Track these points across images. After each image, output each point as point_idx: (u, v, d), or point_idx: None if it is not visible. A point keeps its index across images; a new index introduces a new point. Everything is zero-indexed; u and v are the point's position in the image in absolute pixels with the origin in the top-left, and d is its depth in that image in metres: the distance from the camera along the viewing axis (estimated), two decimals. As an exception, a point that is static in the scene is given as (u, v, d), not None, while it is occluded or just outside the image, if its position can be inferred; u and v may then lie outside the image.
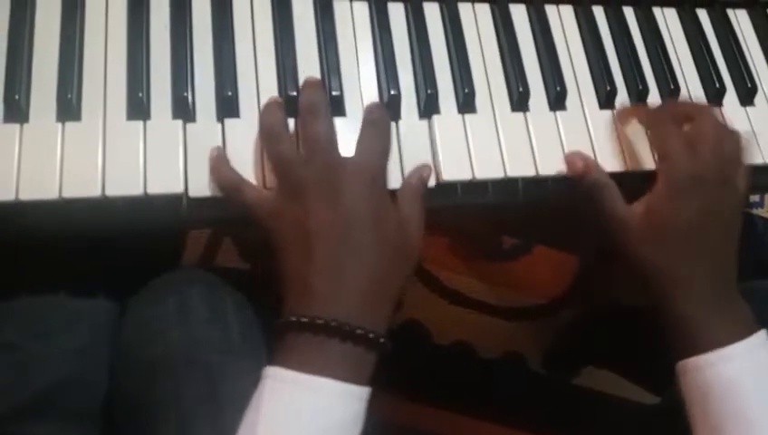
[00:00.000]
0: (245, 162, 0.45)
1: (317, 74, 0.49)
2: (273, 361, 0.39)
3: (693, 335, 0.45)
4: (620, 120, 0.52)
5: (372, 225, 0.41)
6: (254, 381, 0.47)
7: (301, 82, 0.47)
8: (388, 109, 0.49)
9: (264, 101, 0.47)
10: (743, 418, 0.43)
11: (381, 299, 0.42)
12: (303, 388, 0.38)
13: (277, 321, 0.40)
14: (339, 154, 0.43)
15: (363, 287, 0.40)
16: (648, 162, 0.51)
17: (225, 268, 0.86)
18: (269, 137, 0.44)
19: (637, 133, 0.52)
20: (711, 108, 0.52)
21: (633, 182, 0.50)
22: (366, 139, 0.44)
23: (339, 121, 0.48)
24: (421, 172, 0.47)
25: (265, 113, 0.45)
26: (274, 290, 0.42)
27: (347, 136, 0.48)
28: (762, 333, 0.46)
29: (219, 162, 0.44)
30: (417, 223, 0.45)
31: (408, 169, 0.47)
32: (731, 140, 0.49)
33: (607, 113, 0.53)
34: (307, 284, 0.40)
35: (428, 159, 0.48)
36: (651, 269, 0.47)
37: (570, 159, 0.50)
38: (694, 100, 0.55)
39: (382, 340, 0.40)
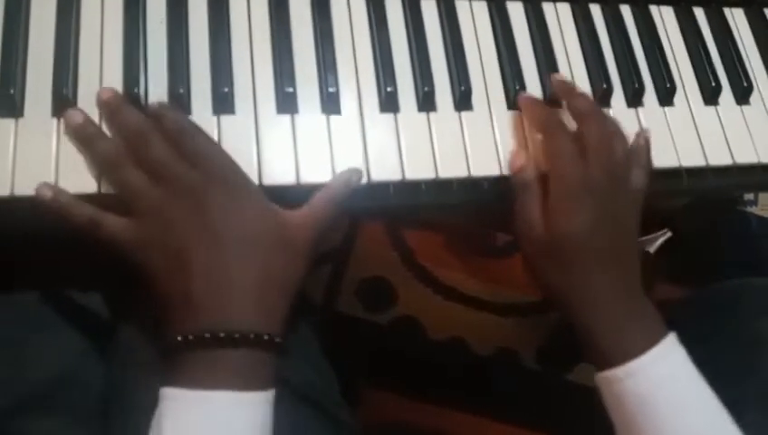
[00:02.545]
0: (241, 159, 0.45)
1: (313, 71, 0.49)
2: (166, 381, 0.38)
3: (600, 349, 0.45)
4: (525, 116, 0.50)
5: (240, 226, 0.41)
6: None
7: (298, 78, 0.47)
8: (385, 105, 0.49)
9: (260, 97, 0.47)
10: (652, 429, 0.43)
11: (271, 298, 0.41)
12: (200, 404, 0.37)
13: (164, 342, 0.39)
14: (186, 168, 0.41)
15: (248, 290, 0.40)
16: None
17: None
18: (109, 166, 0.42)
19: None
20: (597, 109, 0.49)
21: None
22: (199, 146, 0.42)
23: (334, 120, 0.48)
24: (350, 176, 0.45)
25: (107, 147, 0.43)
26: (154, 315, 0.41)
27: (345, 134, 0.48)
28: (670, 339, 0.45)
29: (67, 200, 0.41)
30: (324, 221, 0.44)
31: (409, 162, 0.47)
32: (618, 142, 0.47)
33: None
34: (188, 299, 0.39)
35: (427, 156, 0.48)
36: (552, 283, 0.46)
37: (513, 154, 0.49)
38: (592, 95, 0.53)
39: (278, 339, 0.39)
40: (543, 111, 0.50)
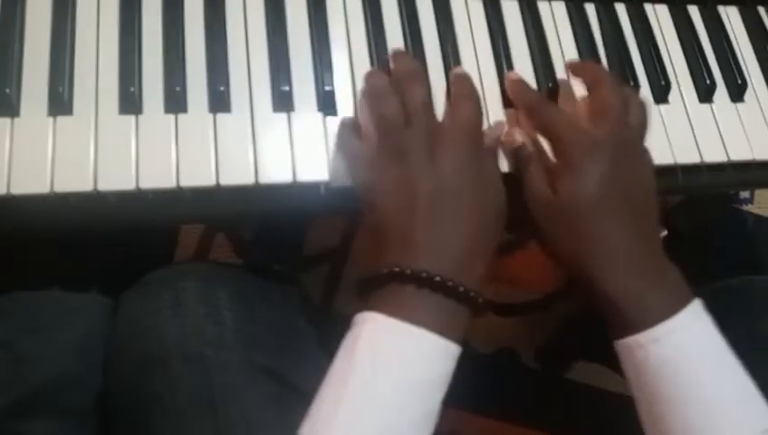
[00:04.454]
0: (237, 157, 0.45)
1: (309, 70, 0.49)
2: (368, 307, 0.40)
3: (622, 314, 0.43)
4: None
5: (473, 186, 0.43)
6: (247, 374, 0.47)
7: (294, 76, 0.48)
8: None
9: (256, 96, 0.47)
10: (674, 398, 0.42)
11: (479, 258, 0.42)
12: (403, 335, 0.38)
13: (378, 270, 0.41)
14: (437, 120, 0.45)
15: (465, 246, 0.41)
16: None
17: (218, 264, 0.86)
18: (374, 96, 0.46)
19: None
20: (611, 75, 0.49)
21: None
22: (460, 103, 0.46)
23: (330, 118, 0.48)
24: (498, 131, 0.48)
25: (371, 76, 0.47)
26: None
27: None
28: (695, 304, 0.43)
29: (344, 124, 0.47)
30: (498, 179, 0.46)
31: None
32: (636, 107, 0.47)
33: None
34: (411, 238, 0.41)
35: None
36: (569, 250, 0.45)
37: (509, 132, 0.49)
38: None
39: (480, 299, 0.41)
40: (530, 90, 0.51)
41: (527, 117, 0.49)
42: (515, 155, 0.48)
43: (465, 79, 0.48)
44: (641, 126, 0.48)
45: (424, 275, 0.39)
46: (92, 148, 0.43)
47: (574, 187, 0.44)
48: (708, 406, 0.41)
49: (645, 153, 0.48)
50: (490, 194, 0.44)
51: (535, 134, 0.48)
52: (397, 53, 0.49)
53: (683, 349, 0.42)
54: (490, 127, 0.49)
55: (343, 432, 0.37)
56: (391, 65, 0.49)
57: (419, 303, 0.39)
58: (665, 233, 0.76)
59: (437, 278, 0.39)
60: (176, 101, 0.46)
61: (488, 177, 0.45)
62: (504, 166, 0.48)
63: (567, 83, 0.52)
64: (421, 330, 0.38)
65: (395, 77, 0.47)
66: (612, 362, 0.89)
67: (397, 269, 0.40)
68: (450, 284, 0.39)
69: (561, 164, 0.46)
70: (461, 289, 0.40)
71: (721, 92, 0.56)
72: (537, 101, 0.49)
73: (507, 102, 0.52)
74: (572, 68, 0.52)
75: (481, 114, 0.46)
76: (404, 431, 0.38)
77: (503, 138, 0.49)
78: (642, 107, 0.48)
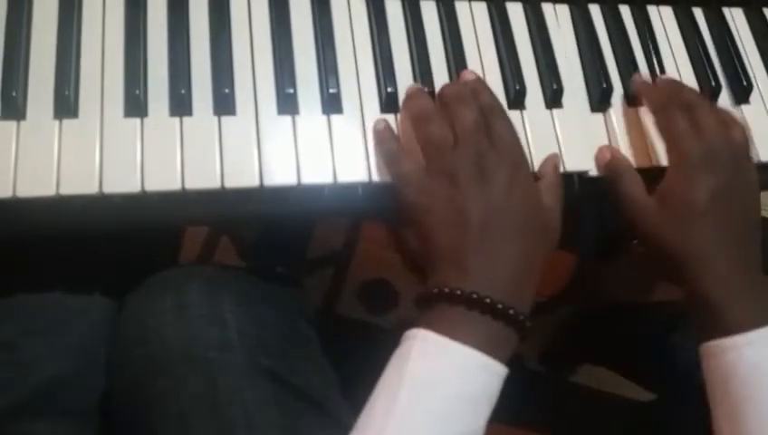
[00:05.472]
0: (242, 160, 0.45)
1: (314, 73, 0.49)
2: (419, 324, 0.40)
3: (717, 317, 0.45)
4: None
5: (521, 209, 0.44)
6: (251, 376, 0.47)
7: (298, 79, 0.48)
8: (386, 106, 0.49)
9: (260, 98, 0.47)
10: (763, 402, 0.43)
11: (527, 281, 0.43)
12: (452, 352, 0.39)
13: (429, 289, 0.42)
14: (486, 141, 0.45)
15: (513, 268, 0.42)
16: (645, 161, 0.52)
17: (222, 266, 0.86)
18: (420, 118, 0.46)
19: (632, 131, 0.53)
20: (707, 100, 0.52)
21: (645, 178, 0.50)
22: (500, 128, 0.46)
23: (335, 119, 0.48)
24: (554, 161, 0.49)
25: (414, 96, 0.48)
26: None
27: (346, 135, 0.48)
28: None
29: (386, 133, 0.47)
30: (558, 209, 0.47)
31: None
32: (737, 128, 0.49)
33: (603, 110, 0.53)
34: (461, 259, 0.41)
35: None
36: (673, 251, 0.47)
37: (599, 153, 0.51)
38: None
39: (528, 323, 0.41)
40: (660, 92, 0.52)
41: (654, 115, 0.51)
42: (609, 168, 0.50)
43: (490, 93, 0.48)
44: (747, 143, 0.50)
45: (474, 296, 0.40)
46: (98, 150, 0.44)
47: (687, 192, 0.47)
48: None
49: (752, 168, 0.49)
50: (539, 215, 0.45)
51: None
52: (455, 82, 0.50)
53: None
54: (547, 157, 0.50)
55: None
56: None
57: (468, 323, 0.40)
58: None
59: (487, 300, 0.40)
60: (181, 104, 0.46)
61: (536, 196, 0.46)
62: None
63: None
64: (469, 349, 0.39)
65: (443, 100, 0.47)
66: (614, 364, 0.89)
67: (447, 290, 0.40)
68: (500, 306, 0.40)
69: (676, 168, 0.48)
70: (510, 312, 0.40)
71: (726, 94, 0.56)
72: (666, 103, 0.50)
73: (512, 105, 0.52)
74: (676, 96, 0.52)
75: (514, 128, 0.47)
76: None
77: (596, 156, 0.51)
78: (743, 127, 0.50)
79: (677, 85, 0.53)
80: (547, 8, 0.56)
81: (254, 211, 0.47)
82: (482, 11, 0.54)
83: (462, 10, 0.54)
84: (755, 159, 0.54)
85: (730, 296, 0.45)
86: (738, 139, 0.49)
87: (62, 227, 0.44)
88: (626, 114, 0.53)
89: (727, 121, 0.50)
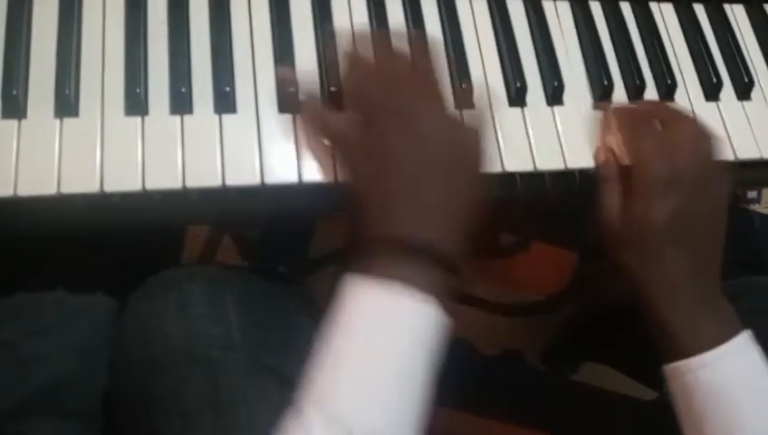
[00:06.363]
0: (243, 158, 0.45)
1: (315, 70, 0.49)
2: (353, 272, 0.40)
3: (674, 339, 0.45)
4: (602, 122, 0.52)
5: (443, 148, 0.43)
6: (254, 375, 0.47)
7: (299, 76, 0.48)
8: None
9: (261, 97, 0.47)
10: (722, 420, 0.43)
11: (455, 221, 0.43)
12: (385, 295, 0.39)
13: (356, 240, 0.42)
14: (409, 84, 0.44)
15: (439, 208, 0.42)
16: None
17: (224, 265, 0.86)
18: (349, 66, 0.46)
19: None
20: (686, 113, 0.51)
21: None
22: (424, 67, 0.45)
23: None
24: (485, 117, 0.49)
25: (349, 51, 0.47)
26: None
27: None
28: (744, 335, 0.45)
29: (310, 92, 0.47)
30: (481, 143, 0.46)
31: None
32: (709, 143, 0.48)
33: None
34: (386, 205, 0.42)
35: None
36: (631, 273, 0.47)
37: (596, 151, 0.50)
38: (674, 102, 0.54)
39: (458, 262, 0.41)
40: (626, 111, 0.51)
41: (621, 132, 0.50)
42: (599, 169, 0.49)
43: (425, 36, 0.48)
44: (717, 154, 0.49)
45: (401, 238, 0.40)
46: (99, 149, 0.44)
47: (648, 213, 0.46)
48: (752, 432, 0.43)
49: (721, 189, 0.48)
50: (459, 156, 0.44)
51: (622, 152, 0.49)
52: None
53: (730, 375, 0.44)
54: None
55: (351, 389, 0.37)
56: None
57: (399, 265, 0.40)
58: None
59: (414, 241, 0.40)
60: (181, 103, 0.46)
61: (457, 140, 0.45)
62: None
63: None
64: (401, 287, 0.39)
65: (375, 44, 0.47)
66: (616, 362, 0.89)
67: (378, 236, 0.41)
68: (427, 246, 0.40)
69: (638, 188, 0.47)
70: (438, 251, 0.40)
71: (727, 91, 0.56)
72: (632, 122, 0.49)
73: (513, 102, 0.51)
74: (644, 106, 0.52)
75: (435, 63, 0.46)
76: (416, 375, 0.39)
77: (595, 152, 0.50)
78: (716, 140, 0.49)
79: (646, 103, 0.53)
80: (548, 5, 0.56)
81: (256, 209, 0.47)
82: (482, 8, 0.54)
83: (462, 7, 0.54)
84: (759, 157, 0.54)
85: (687, 319, 0.45)
86: (707, 152, 0.48)
87: (63, 226, 0.44)
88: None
89: (698, 134, 0.48)
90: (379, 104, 0.43)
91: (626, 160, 0.49)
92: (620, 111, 0.52)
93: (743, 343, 0.45)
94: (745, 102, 0.56)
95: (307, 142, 0.46)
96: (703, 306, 0.46)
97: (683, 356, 0.44)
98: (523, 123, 0.51)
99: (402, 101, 0.43)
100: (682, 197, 0.46)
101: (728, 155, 0.53)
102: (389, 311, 0.39)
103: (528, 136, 0.50)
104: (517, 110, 0.51)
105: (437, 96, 0.45)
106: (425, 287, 0.39)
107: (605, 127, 0.51)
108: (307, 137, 0.46)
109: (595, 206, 0.49)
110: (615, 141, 0.50)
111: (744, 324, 0.58)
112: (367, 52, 0.46)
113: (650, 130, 0.49)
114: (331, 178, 0.45)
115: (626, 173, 0.48)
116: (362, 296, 0.40)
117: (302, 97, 0.47)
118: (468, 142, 0.45)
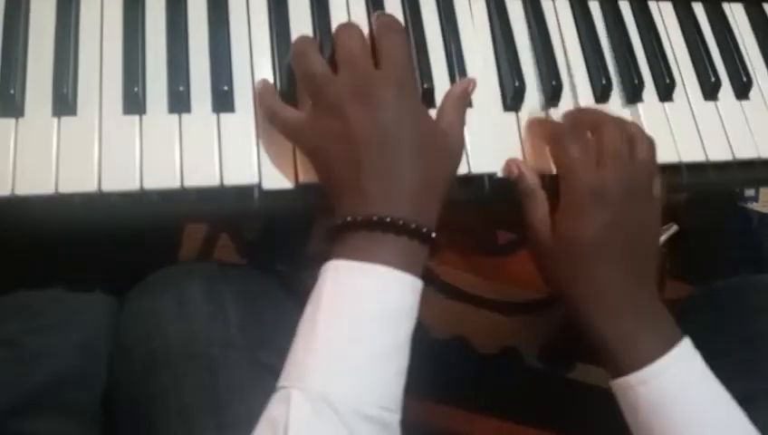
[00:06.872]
0: (242, 157, 0.45)
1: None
2: (331, 258, 0.41)
3: (612, 356, 0.44)
4: (527, 130, 0.50)
5: (411, 128, 0.43)
6: (253, 373, 0.47)
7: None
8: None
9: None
10: (668, 433, 0.43)
11: (428, 197, 0.43)
12: (363, 274, 0.40)
13: (333, 223, 0.42)
14: (369, 65, 0.44)
15: (410, 186, 0.42)
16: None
17: (222, 263, 0.86)
18: (298, 55, 0.45)
19: None
20: (615, 117, 0.48)
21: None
22: (388, 47, 0.45)
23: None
24: (465, 83, 0.48)
25: (298, 40, 0.47)
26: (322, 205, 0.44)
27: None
28: (684, 344, 0.44)
29: (265, 92, 0.46)
30: (459, 127, 0.46)
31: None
32: (642, 147, 0.46)
33: (605, 108, 0.52)
34: (358, 187, 0.42)
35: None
36: (563, 290, 0.46)
37: (507, 164, 0.49)
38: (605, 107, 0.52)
39: (433, 234, 0.41)
40: (550, 124, 0.50)
41: (549, 146, 0.49)
42: (522, 182, 0.48)
43: (388, 15, 0.48)
44: (649, 164, 0.47)
45: (375, 218, 0.40)
46: (96, 148, 0.43)
47: (575, 229, 0.45)
48: None
49: (651, 196, 0.47)
50: (428, 134, 0.44)
51: (548, 166, 0.48)
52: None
53: (670, 389, 0.43)
54: (461, 80, 0.49)
55: (319, 373, 0.37)
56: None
57: (375, 244, 0.40)
58: (675, 228, 0.76)
59: (387, 219, 0.40)
60: (179, 101, 0.46)
61: (424, 118, 0.44)
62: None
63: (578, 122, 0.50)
64: (378, 266, 0.40)
65: (334, 31, 0.46)
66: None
67: (349, 219, 0.41)
68: (400, 223, 0.40)
69: (566, 203, 0.46)
70: (412, 226, 0.40)
71: (726, 90, 0.56)
72: (562, 134, 0.48)
73: (507, 106, 0.51)
74: (571, 117, 0.50)
75: (408, 47, 0.46)
76: (376, 363, 0.38)
77: (504, 166, 0.49)
78: (650, 144, 0.47)
79: (578, 111, 0.51)
80: (546, 5, 0.56)
81: (254, 208, 0.47)
82: (480, 6, 0.54)
83: (460, 5, 0.53)
84: (757, 156, 0.54)
85: (623, 334, 0.44)
86: (642, 157, 0.46)
87: (61, 225, 0.44)
88: (625, 110, 0.53)
89: (633, 138, 0.46)
90: (342, 90, 0.43)
91: (553, 171, 0.48)
92: (549, 123, 0.51)
93: (682, 353, 0.44)
94: (744, 102, 0.56)
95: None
96: (639, 319, 0.45)
97: (623, 372, 0.44)
98: (516, 128, 0.51)
99: (360, 80, 0.43)
100: (611, 209, 0.45)
101: (726, 155, 0.53)
102: (367, 289, 0.39)
103: (523, 143, 0.50)
104: (512, 113, 0.51)
105: (400, 72, 0.44)
106: (401, 261, 0.40)
107: (528, 136, 0.50)
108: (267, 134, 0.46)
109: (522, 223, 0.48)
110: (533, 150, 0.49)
111: (742, 323, 0.59)
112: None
113: (576, 139, 0.47)
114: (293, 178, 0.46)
115: (549, 187, 0.47)
116: (341, 274, 0.40)
117: (257, 88, 0.47)
118: (445, 129, 0.45)
